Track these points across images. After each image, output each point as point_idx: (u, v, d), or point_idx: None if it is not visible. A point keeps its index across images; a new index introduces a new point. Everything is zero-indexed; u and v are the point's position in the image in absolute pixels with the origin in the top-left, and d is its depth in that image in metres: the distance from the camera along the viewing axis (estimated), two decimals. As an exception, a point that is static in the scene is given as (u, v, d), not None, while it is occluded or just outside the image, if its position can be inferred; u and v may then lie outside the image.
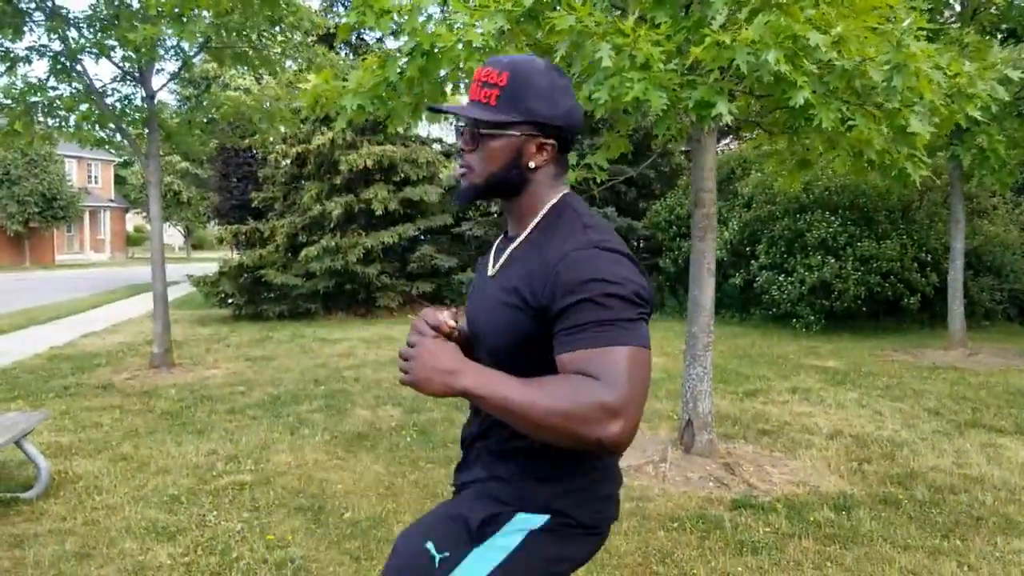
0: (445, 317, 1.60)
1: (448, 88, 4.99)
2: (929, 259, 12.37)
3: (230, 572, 3.89)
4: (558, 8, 4.04)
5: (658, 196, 16.12)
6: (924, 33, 4.22)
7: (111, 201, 47.41)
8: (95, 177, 46.67)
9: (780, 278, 12.65)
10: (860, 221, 12.59)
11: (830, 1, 4.04)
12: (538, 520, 1.57)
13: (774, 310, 13.01)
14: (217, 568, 3.95)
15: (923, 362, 9.83)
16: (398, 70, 4.52)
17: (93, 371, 9.33)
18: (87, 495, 4.99)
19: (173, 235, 53.10)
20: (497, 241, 1.76)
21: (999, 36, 9.62)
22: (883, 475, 5.38)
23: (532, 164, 1.59)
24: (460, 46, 3.95)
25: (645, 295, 1.45)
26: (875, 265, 12.01)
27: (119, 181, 49.42)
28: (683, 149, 15.01)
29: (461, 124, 1.70)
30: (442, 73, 4.67)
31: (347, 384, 8.53)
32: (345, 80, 4.70)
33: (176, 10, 6.66)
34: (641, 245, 16.60)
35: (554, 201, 1.62)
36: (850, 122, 4.07)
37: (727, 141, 18.03)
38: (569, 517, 1.58)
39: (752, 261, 13.30)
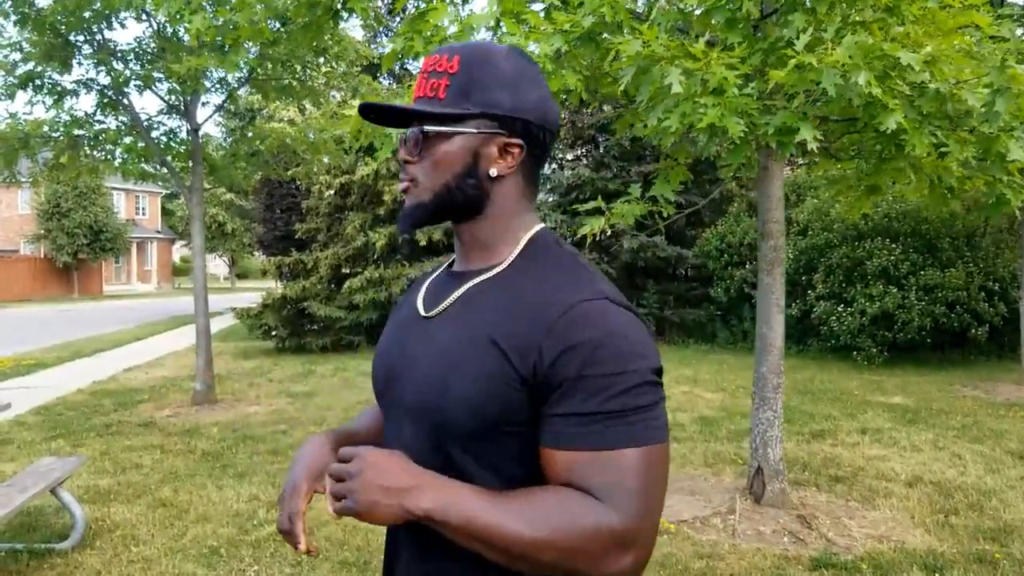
0: None
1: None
2: (997, 288, 11.80)
3: (271, 640, 3.61)
4: (621, 31, 3.75)
5: (707, 224, 15.72)
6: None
7: (158, 232, 48.14)
8: (142, 209, 47.46)
9: (839, 309, 12.16)
10: (922, 248, 12.08)
11: (915, 20, 3.71)
12: None
13: (832, 342, 12.52)
14: (257, 634, 3.67)
15: (996, 398, 9.29)
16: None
17: (135, 407, 9.18)
18: (124, 546, 4.76)
19: (218, 265, 53.72)
20: (433, 275, 1.37)
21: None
22: (973, 529, 4.93)
23: (494, 171, 1.21)
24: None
25: (661, 370, 1.13)
26: (940, 295, 11.48)
27: (166, 212, 50.31)
28: (735, 175, 14.61)
29: (404, 133, 1.31)
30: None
31: (392, 422, 8.24)
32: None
33: (219, 40, 6.51)
34: (689, 274, 16.20)
35: (532, 233, 1.25)
36: (942, 149, 3.72)
37: (777, 167, 17.60)
38: None
39: (809, 291, 12.84)
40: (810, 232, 13.30)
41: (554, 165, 16.78)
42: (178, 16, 5.57)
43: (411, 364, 1.24)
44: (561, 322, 1.08)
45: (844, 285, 12.35)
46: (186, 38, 8.07)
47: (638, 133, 4.40)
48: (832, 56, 3.16)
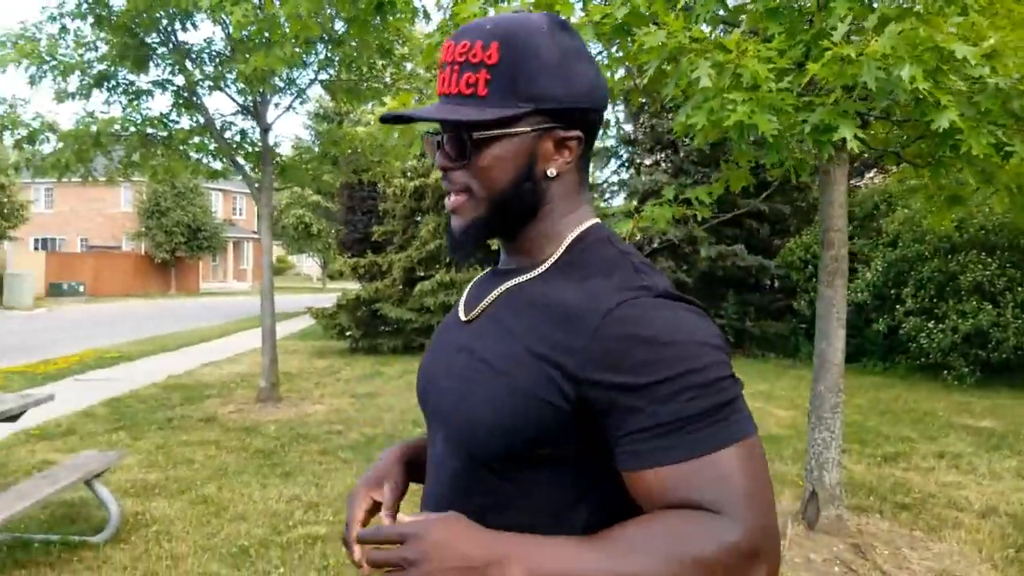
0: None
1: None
2: (1102, 306, 10.92)
3: (275, 647, 3.52)
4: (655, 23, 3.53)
5: (793, 233, 15.12)
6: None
7: (254, 233, 49.59)
8: (239, 209, 49.01)
9: (929, 325, 11.47)
10: (1021, 263, 11.30)
11: (980, 9, 3.37)
12: None
13: (922, 360, 11.81)
14: (265, 640, 3.59)
15: (1098, 426, 8.57)
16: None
17: (202, 402, 9.35)
18: (156, 542, 4.78)
19: (311, 266, 54.98)
20: (477, 278, 1.25)
21: None
22: (1049, 570, 4.49)
23: (552, 171, 1.08)
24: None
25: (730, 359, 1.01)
26: (1039, 312, 10.71)
27: (263, 213, 51.69)
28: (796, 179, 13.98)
29: (429, 132, 1.17)
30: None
31: (447, 427, 8.12)
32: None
33: (266, 35, 6.51)
34: (775, 285, 15.60)
35: (582, 229, 1.11)
36: (1007, 149, 3.36)
37: (871, 175, 16.82)
38: None
39: (898, 305, 12.17)
40: (900, 243, 12.61)
41: (631, 170, 16.42)
42: (220, 6, 5.57)
43: (445, 373, 1.15)
44: (604, 329, 0.96)
45: (935, 300, 11.65)
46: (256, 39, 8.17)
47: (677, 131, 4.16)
48: (872, 47, 2.87)
